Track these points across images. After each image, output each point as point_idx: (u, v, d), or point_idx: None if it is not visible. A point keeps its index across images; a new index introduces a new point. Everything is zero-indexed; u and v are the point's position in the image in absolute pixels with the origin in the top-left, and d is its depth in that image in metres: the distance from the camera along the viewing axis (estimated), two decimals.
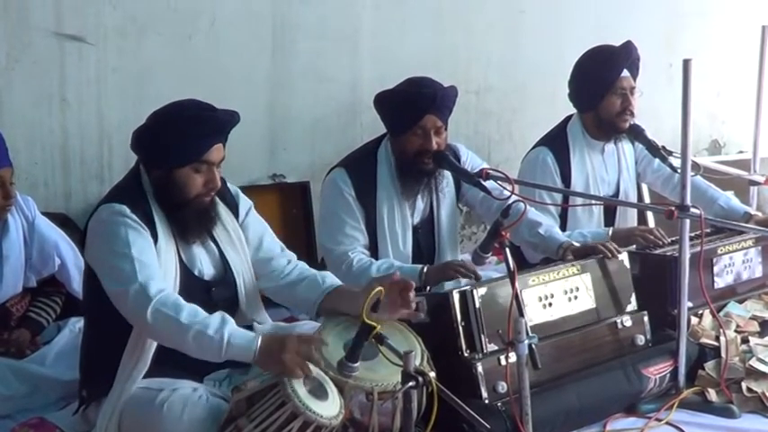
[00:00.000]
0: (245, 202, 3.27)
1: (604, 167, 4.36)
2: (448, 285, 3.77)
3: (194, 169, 2.98)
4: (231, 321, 2.81)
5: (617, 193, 4.40)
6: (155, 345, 2.90)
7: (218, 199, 3.14)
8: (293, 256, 3.32)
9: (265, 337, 2.80)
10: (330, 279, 3.20)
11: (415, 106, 3.71)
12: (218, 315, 2.82)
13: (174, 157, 2.96)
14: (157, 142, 2.98)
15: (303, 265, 3.29)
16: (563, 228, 4.15)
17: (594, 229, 4.21)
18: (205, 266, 3.11)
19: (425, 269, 3.68)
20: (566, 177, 4.26)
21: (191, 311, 2.79)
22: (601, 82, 4.20)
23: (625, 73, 4.20)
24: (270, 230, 3.32)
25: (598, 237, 4.06)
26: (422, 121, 3.70)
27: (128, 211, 2.92)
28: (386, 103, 3.83)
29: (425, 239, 3.96)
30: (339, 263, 3.72)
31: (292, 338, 2.77)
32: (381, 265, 3.72)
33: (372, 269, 3.69)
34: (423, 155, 3.74)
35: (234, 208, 3.22)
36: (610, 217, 4.38)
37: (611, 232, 4.11)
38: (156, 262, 2.91)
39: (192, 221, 3.04)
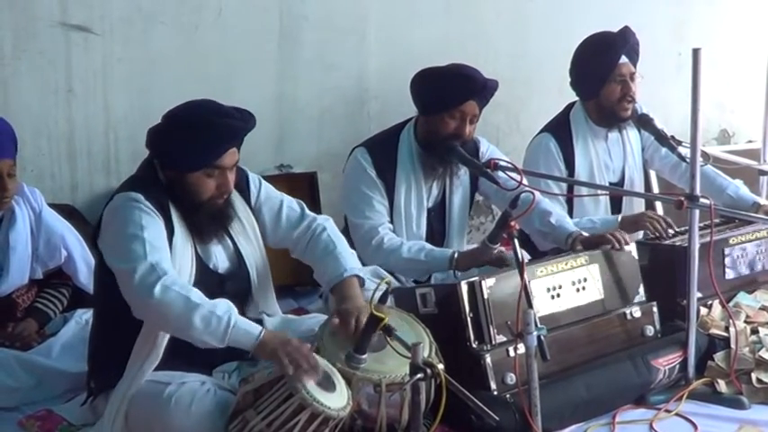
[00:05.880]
0: (254, 182, 3.24)
1: (608, 154, 4.35)
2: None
3: (207, 174, 2.97)
4: (236, 309, 2.84)
5: (622, 181, 4.39)
6: (167, 337, 2.89)
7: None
8: (313, 218, 3.26)
9: (270, 330, 2.83)
10: (339, 267, 3.14)
11: (461, 88, 3.72)
12: (224, 300, 2.84)
13: (185, 161, 2.96)
14: (170, 145, 2.98)
15: (328, 231, 3.23)
16: (570, 215, 4.14)
17: (604, 216, 4.20)
18: (220, 260, 3.12)
19: (456, 254, 3.69)
20: (569, 164, 4.25)
21: (198, 293, 2.80)
22: (600, 70, 4.19)
23: (624, 59, 4.18)
24: (286, 198, 3.28)
25: (608, 224, 4.06)
26: (463, 105, 3.71)
27: (143, 198, 2.92)
28: (431, 80, 3.82)
29: (436, 224, 3.97)
30: (369, 237, 3.74)
31: (296, 339, 2.79)
32: (412, 247, 3.73)
33: (403, 250, 3.71)
34: (453, 139, 3.74)
35: (245, 192, 3.20)
36: (616, 205, 4.36)
37: (620, 219, 4.10)
38: (167, 248, 2.91)
39: (206, 224, 3.04)
